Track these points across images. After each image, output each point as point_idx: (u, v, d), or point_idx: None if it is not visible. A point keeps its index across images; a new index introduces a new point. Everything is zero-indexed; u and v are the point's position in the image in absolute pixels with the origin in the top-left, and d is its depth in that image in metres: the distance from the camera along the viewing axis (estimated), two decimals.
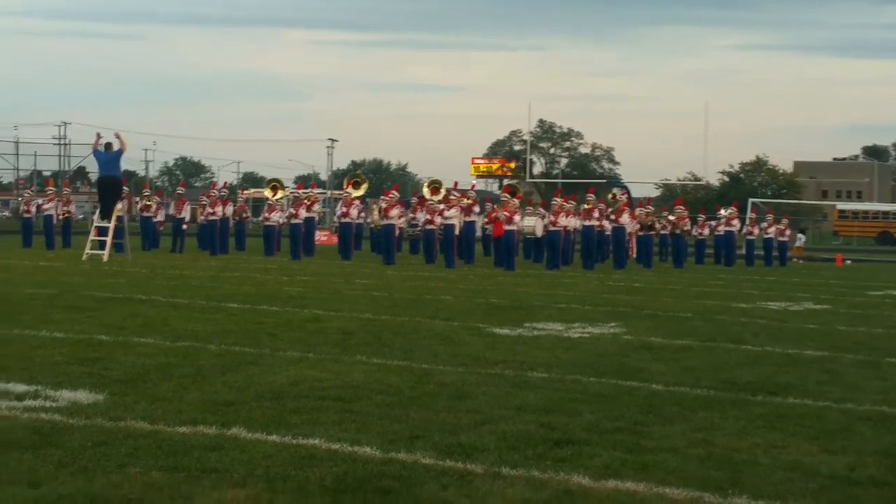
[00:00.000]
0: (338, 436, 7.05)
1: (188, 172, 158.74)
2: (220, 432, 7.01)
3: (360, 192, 37.73)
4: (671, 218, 35.78)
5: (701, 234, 37.86)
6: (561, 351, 11.75)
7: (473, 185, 34.54)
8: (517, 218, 30.17)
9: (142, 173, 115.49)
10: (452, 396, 8.71)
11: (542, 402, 8.60)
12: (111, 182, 27.51)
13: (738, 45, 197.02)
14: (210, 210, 33.94)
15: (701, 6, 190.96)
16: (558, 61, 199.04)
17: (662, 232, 36.24)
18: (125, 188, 31.91)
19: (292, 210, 33.12)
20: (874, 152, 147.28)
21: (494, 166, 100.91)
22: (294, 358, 10.47)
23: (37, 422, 7.13)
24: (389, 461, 6.49)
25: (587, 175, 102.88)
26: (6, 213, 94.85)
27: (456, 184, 33.07)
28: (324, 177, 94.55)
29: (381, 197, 34.36)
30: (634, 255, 34.91)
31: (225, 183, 41.42)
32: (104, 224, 27.31)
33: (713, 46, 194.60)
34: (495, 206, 32.74)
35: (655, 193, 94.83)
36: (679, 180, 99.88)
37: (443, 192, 33.29)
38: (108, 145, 28.06)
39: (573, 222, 31.33)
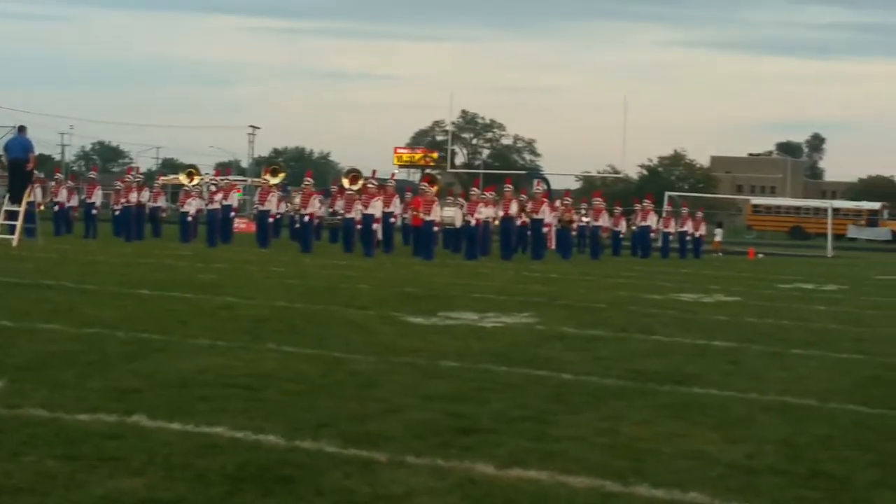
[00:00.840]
0: (243, 424, 6.97)
1: (106, 157, 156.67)
2: (120, 420, 6.90)
3: (278, 180, 37.48)
4: (580, 214, 35.97)
5: (617, 226, 38.16)
6: (473, 340, 11.77)
7: (393, 175, 34.49)
8: (436, 208, 30.17)
9: (57, 157, 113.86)
10: (362, 385, 8.67)
11: (450, 390, 8.59)
12: (21, 165, 27.01)
13: (660, 41, 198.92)
14: (124, 196, 33.49)
15: (626, 1, 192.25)
16: (485, 53, 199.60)
17: (581, 224, 36.48)
18: (37, 173, 31.33)
19: (208, 197, 32.82)
20: (788, 149, 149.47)
21: (417, 156, 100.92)
22: (203, 345, 10.36)
23: None
24: (293, 449, 6.43)
25: (509, 166, 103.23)
26: None
27: (374, 172, 33.01)
28: (245, 164, 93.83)
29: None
30: (554, 247, 35.09)
31: (138, 168, 40.72)
32: (14, 208, 26.83)
33: (636, 42, 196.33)
34: (414, 196, 32.72)
35: (576, 185, 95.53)
36: (599, 173, 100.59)
37: (361, 181, 33.16)
38: (21, 128, 27.63)
39: (491, 213, 31.37)
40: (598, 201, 37.49)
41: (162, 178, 67.77)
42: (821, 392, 9.34)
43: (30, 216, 27.63)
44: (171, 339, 10.61)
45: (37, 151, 29.05)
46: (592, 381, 9.43)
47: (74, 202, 35.54)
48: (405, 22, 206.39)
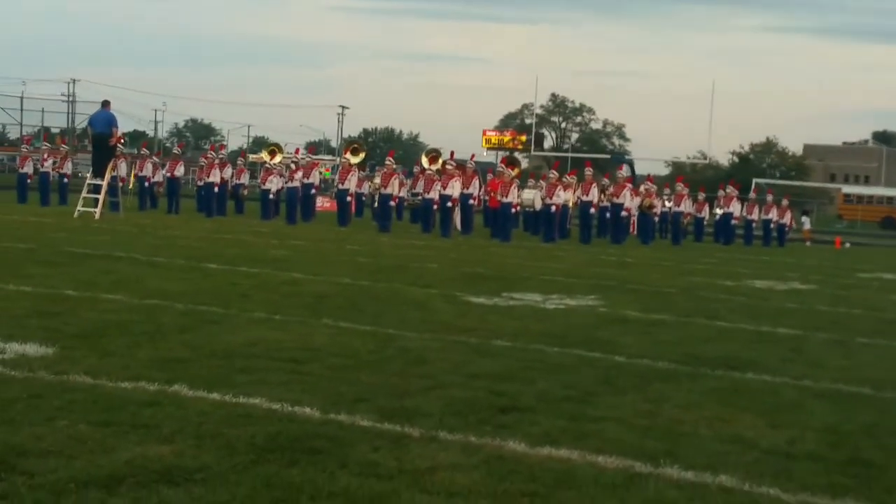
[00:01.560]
0: (281, 395, 7.01)
1: (198, 135, 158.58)
2: (161, 389, 6.98)
3: (358, 159, 37.61)
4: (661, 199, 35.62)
5: (700, 212, 37.77)
6: (532, 321, 11.71)
7: (473, 156, 34.42)
8: (514, 190, 30.08)
9: (151, 133, 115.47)
10: (409, 362, 8.68)
11: (497, 369, 8.57)
12: (105, 139, 27.41)
13: (754, 25, 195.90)
14: (207, 172, 33.87)
15: None
16: (576, 36, 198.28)
17: (664, 210, 36.16)
18: (122, 147, 31.80)
19: (288, 175, 33.04)
20: (884, 138, 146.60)
21: (506, 139, 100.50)
22: (259, 319, 10.44)
23: None
24: (327, 422, 6.46)
25: (598, 150, 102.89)
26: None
27: (452, 154, 32.99)
28: (335, 143, 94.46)
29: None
30: (636, 232, 34.88)
31: (223, 145, 41.07)
32: (97, 181, 27.27)
33: (730, 26, 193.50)
34: (492, 178, 32.66)
35: (665, 171, 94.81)
36: (689, 158, 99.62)
37: (441, 161, 33.15)
38: (105, 103, 28.07)
39: (569, 196, 31.19)
40: (681, 187, 37.10)
41: (252, 156, 68.47)
42: (877, 380, 9.17)
43: (112, 190, 28.10)
44: (229, 313, 10.71)
45: (131, 128, 29.56)
46: (644, 363, 9.34)
47: (159, 177, 35.93)
48: (496, 4, 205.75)
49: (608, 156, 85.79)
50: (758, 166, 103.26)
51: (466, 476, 5.59)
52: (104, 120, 27.49)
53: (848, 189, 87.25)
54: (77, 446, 5.60)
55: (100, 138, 27.54)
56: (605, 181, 34.20)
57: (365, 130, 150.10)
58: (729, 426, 7.09)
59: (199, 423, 6.18)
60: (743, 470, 6.02)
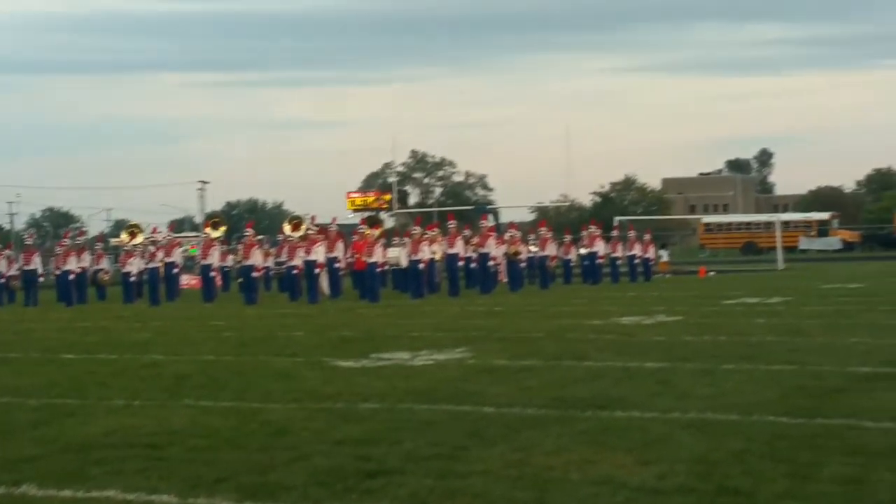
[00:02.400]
0: (138, 485, 6.75)
1: (57, 223, 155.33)
2: (7, 492, 6.66)
3: (219, 234, 37.13)
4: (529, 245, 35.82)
5: (567, 254, 38.08)
6: (400, 380, 11.54)
7: (334, 219, 34.24)
8: (378, 250, 29.97)
9: (7, 227, 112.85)
10: (272, 434, 8.45)
11: (363, 433, 8.39)
12: None
13: (605, 68, 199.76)
14: (63, 260, 33.10)
15: (566, 31, 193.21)
16: (431, 92, 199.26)
17: (530, 255, 36.33)
18: None
19: (149, 256, 32.47)
20: (737, 166, 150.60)
21: (370, 199, 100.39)
22: (118, 406, 10.11)
23: None
24: None
25: (462, 202, 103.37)
26: None
27: (313, 218, 32.78)
28: (198, 220, 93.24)
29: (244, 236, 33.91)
30: (505, 279, 34.95)
31: (81, 231, 40.30)
32: None
33: (581, 70, 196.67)
34: (354, 240, 32.51)
35: (531, 217, 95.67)
36: (552, 202, 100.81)
37: (303, 228, 32.90)
38: None
39: (435, 250, 31.17)
40: (544, 231, 37.36)
41: (113, 239, 67.28)
42: (745, 406, 9.20)
43: None
44: (86, 403, 10.35)
45: None
46: (514, 412, 9.25)
47: (14, 271, 34.95)
48: (348, 67, 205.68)
49: (471, 207, 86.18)
50: (619, 204, 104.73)
51: None
52: None
53: (708, 219, 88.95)
54: None
55: None
56: (467, 232, 34.22)
57: (228, 203, 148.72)
58: (598, 467, 7.01)
59: None
60: None
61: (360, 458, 7.43)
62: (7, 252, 36.40)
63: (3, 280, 34.50)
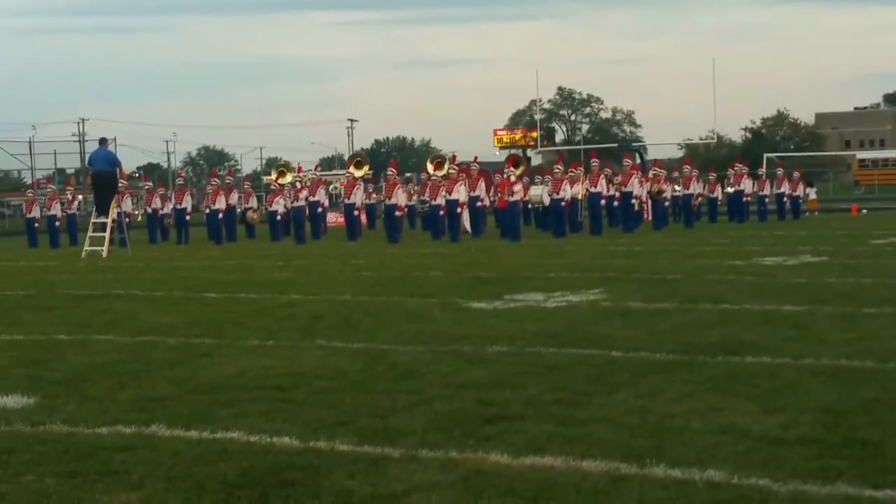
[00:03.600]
0: (261, 427, 6.86)
1: (212, 161, 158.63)
2: (137, 431, 6.84)
3: (362, 173, 37.45)
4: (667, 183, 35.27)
5: (712, 193, 37.48)
6: (530, 322, 11.52)
7: (476, 159, 34.17)
8: (519, 188, 29.89)
9: (164, 165, 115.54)
10: (397, 377, 8.51)
11: (488, 377, 8.39)
12: (105, 177, 27.33)
13: (752, 1, 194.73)
14: (212, 199, 33.82)
15: None
16: (576, 27, 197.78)
17: (674, 193, 35.85)
18: (124, 182, 31.75)
19: (293, 194, 32.95)
20: (895, 99, 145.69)
21: (517, 136, 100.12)
22: (252, 346, 10.30)
23: None
24: (305, 451, 6.30)
25: (609, 140, 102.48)
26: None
27: (454, 157, 32.81)
28: (347, 158, 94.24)
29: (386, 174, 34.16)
30: (650, 218, 34.63)
31: (230, 170, 41.12)
32: (101, 220, 27.21)
33: (728, 4, 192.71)
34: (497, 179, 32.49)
35: (679, 154, 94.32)
36: (701, 139, 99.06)
37: (445, 167, 32.97)
38: (103, 140, 28.06)
39: (576, 190, 30.95)
40: (687, 169, 36.81)
41: (265, 177, 68.43)
42: (882, 352, 8.94)
43: (119, 226, 28.05)
44: (221, 343, 10.56)
45: (144, 161, 29.66)
46: (642, 356, 9.15)
47: (168, 209, 35.86)
48: (494, 4, 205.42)
49: (617, 144, 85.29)
50: (771, 140, 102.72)
51: (442, 496, 5.42)
52: (103, 158, 27.39)
53: (862, 155, 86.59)
54: (41, 501, 5.45)
55: (99, 176, 27.43)
56: (607, 171, 33.88)
57: (376, 141, 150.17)
58: (722, 415, 6.89)
59: (170, 465, 6.03)
60: (732, 462, 5.83)
61: (482, 403, 7.44)
62: (161, 191, 37.37)
63: (158, 217, 35.50)
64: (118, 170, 28.07)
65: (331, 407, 7.45)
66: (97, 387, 8.40)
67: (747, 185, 37.19)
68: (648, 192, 33.43)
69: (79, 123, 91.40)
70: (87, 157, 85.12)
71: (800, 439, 6.26)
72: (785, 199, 37.63)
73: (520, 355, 9.41)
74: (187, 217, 34.87)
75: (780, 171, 38.76)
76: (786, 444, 6.17)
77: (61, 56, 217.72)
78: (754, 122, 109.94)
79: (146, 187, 37.76)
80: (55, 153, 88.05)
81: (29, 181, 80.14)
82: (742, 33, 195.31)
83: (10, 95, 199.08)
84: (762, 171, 39.93)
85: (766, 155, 56.24)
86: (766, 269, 17.07)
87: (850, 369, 8.35)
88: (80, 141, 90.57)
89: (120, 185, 29.00)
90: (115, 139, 79.45)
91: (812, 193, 43.69)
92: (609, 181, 32.48)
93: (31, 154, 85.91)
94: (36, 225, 35.09)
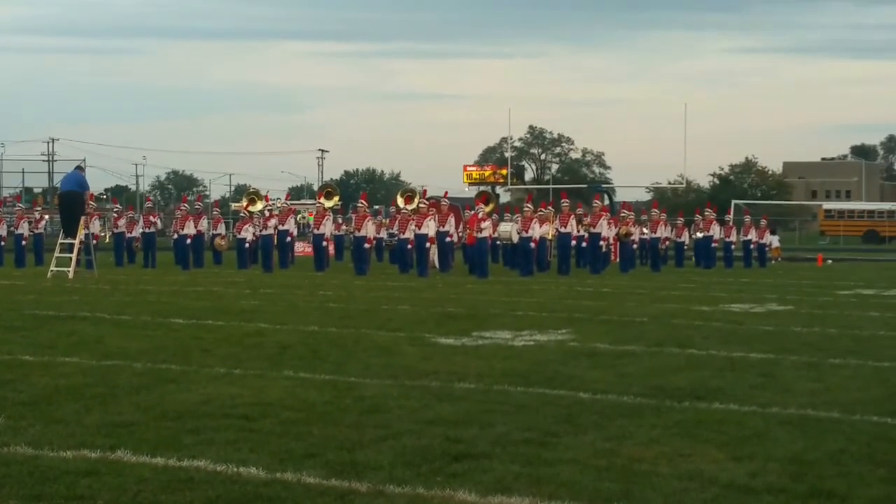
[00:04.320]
0: (227, 456, 6.82)
1: (180, 186, 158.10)
2: (103, 456, 6.79)
3: (332, 203, 37.44)
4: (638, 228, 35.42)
5: (679, 237, 37.65)
6: (498, 360, 11.53)
7: (446, 193, 34.22)
8: (488, 225, 29.93)
9: (133, 188, 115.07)
10: (365, 411, 8.49)
11: (456, 414, 8.39)
12: (72, 198, 27.22)
13: (726, 48, 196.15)
14: (181, 224, 33.71)
15: (690, 10, 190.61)
16: (550, 67, 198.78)
17: (642, 236, 35.97)
18: (93, 204, 31.60)
19: (262, 223, 32.88)
20: (862, 151, 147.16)
21: (487, 173, 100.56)
22: (218, 374, 10.25)
23: None
24: (272, 482, 6.27)
25: (578, 180, 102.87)
26: None
27: (425, 192, 32.89)
28: (316, 188, 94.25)
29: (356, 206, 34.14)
30: (617, 260, 34.73)
31: (199, 196, 41.01)
32: (68, 241, 27.05)
33: (701, 50, 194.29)
34: (466, 215, 32.54)
35: (647, 197, 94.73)
36: (669, 183, 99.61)
37: (416, 201, 33.00)
38: (79, 167, 28.21)
39: (546, 229, 31.02)
40: (656, 213, 36.97)
41: (234, 204, 68.33)
42: (848, 403, 8.99)
43: (86, 248, 27.90)
44: (188, 370, 10.51)
45: (112, 183, 29.73)
46: (609, 399, 9.16)
47: (136, 232, 35.70)
48: (469, 40, 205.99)
49: (586, 185, 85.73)
50: (739, 187, 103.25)
51: None
52: (73, 180, 27.39)
53: (829, 205, 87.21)
54: None
55: (67, 197, 27.35)
56: (579, 211, 34.02)
57: (346, 173, 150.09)
58: (689, 461, 6.91)
59: (136, 492, 6.00)
60: None
61: (450, 440, 7.43)
62: (129, 213, 37.20)
63: (126, 240, 35.33)
64: (86, 193, 27.96)
65: (298, 438, 7.42)
66: (63, 409, 8.34)
67: (715, 231, 37.37)
68: (616, 234, 33.54)
69: (48, 143, 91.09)
70: (55, 176, 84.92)
71: (767, 488, 6.29)
72: (752, 246, 37.84)
73: (488, 393, 9.41)
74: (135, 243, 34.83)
75: (747, 219, 39.02)
76: (753, 493, 6.20)
77: (32, 75, 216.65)
78: (722, 169, 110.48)
79: (114, 209, 37.53)
80: (23, 171, 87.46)
81: None
82: (714, 80, 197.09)
83: None
84: (730, 217, 40.17)
85: (734, 201, 56.58)
86: (732, 316, 17.16)
87: (816, 419, 8.40)
88: (49, 160, 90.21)
89: (87, 207, 28.84)
90: (84, 160, 79.32)
91: (775, 241, 44.00)
92: (579, 222, 32.58)
93: None
94: (2, 243, 34.81)
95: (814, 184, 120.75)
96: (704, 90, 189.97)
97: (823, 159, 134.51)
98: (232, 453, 6.91)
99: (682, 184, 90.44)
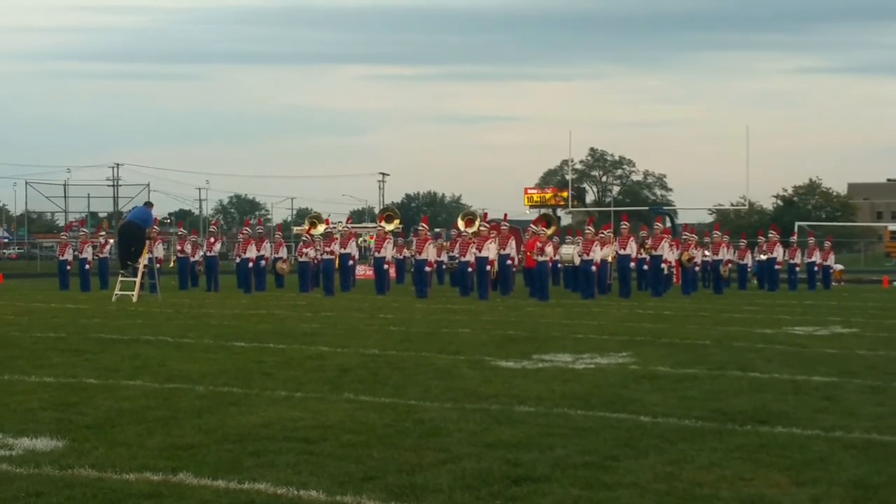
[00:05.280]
0: (287, 479, 6.86)
1: (243, 210, 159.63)
2: (165, 478, 6.85)
3: (393, 227, 37.59)
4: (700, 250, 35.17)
5: (742, 259, 37.35)
6: (558, 383, 11.49)
7: (506, 216, 34.27)
8: (548, 248, 29.89)
9: (196, 212, 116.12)
10: (425, 434, 8.50)
11: (517, 437, 8.37)
12: (132, 230, 27.71)
13: (786, 68, 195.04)
14: (243, 248, 33.98)
15: (750, 31, 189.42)
16: (610, 89, 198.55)
17: (704, 259, 35.74)
18: (156, 228, 32.01)
19: (322, 246, 33.06)
20: None
21: (547, 196, 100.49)
22: (279, 397, 10.31)
23: None
24: None
25: (640, 202, 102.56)
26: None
27: (486, 215, 32.91)
28: (377, 211, 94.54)
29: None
30: (679, 282, 34.55)
31: (260, 219, 41.31)
32: (126, 276, 27.52)
33: (762, 70, 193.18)
34: (527, 239, 32.51)
35: (709, 219, 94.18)
36: (732, 205, 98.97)
37: (476, 224, 33.05)
38: (148, 203, 28.81)
39: (607, 252, 30.93)
40: (718, 235, 36.73)
41: (296, 228, 68.75)
42: None
43: (150, 272, 28.22)
44: (250, 392, 10.58)
45: (176, 207, 30.33)
46: (670, 422, 9.11)
47: (198, 256, 36.07)
48: (529, 63, 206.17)
49: (648, 207, 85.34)
50: (802, 208, 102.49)
51: None
52: (138, 213, 28.05)
53: (894, 227, 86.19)
54: None
55: (126, 228, 27.93)
56: (643, 234, 33.89)
57: (407, 196, 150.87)
58: (751, 486, 6.85)
59: None
60: None
61: (509, 463, 7.42)
62: (192, 237, 37.60)
63: (188, 264, 35.72)
64: (146, 230, 28.38)
65: (358, 461, 7.45)
66: (126, 432, 8.43)
67: (779, 253, 37.07)
68: (679, 259, 33.36)
69: (113, 168, 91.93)
70: (120, 201, 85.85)
71: None
72: (816, 268, 37.47)
73: (548, 416, 9.39)
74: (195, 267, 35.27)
75: (811, 241, 38.62)
76: None
77: (98, 100, 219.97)
78: (786, 190, 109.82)
79: (178, 233, 37.96)
80: (89, 196, 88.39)
81: (62, 223, 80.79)
82: (777, 100, 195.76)
83: (46, 138, 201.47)
84: (794, 239, 39.81)
85: (797, 223, 55.96)
86: (795, 339, 16.99)
87: (880, 443, 8.30)
88: (114, 185, 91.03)
89: (153, 229, 29.31)
90: (148, 185, 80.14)
91: (837, 264, 43.51)
92: (641, 245, 32.44)
93: (65, 197, 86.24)
94: (68, 268, 35.32)
95: (879, 205, 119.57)
96: (766, 110, 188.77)
97: (889, 180, 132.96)
98: (292, 476, 6.94)
99: (744, 205, 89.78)
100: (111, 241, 36.94)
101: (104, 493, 6.46)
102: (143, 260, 27.43)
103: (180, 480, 6.82)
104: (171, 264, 38.55)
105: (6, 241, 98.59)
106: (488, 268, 29.63)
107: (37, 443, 7.95)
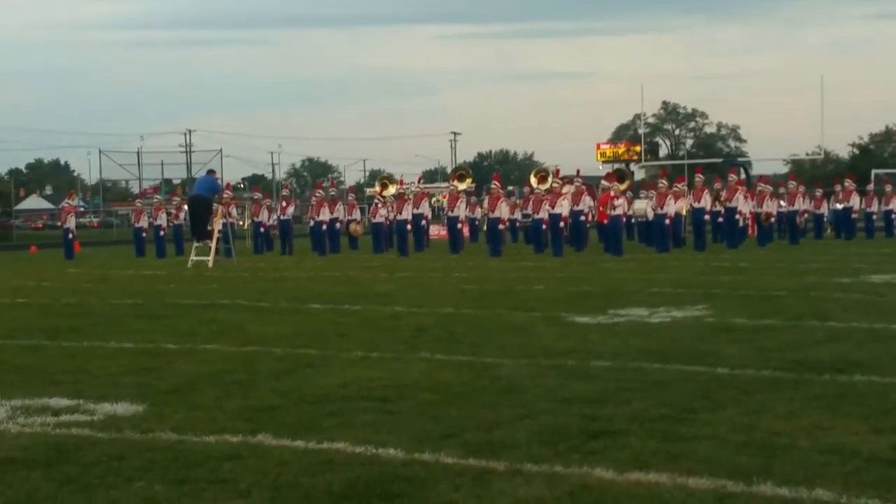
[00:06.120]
0: (366, 438, 6.90)
1: (315, 173, 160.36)
2: (244, 440, 6.92)
3: (465, 186, 37.58)
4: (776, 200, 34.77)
5: (818, 209, 36.91)
6: (634, 337, 11.46)
7: (578, 172, 34.12)
8: (621, 203, 29.74)
9: (269, 176, 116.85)
10: (502, 391, 8.52)
11: (592, 392, 8.36)
12: (200, 203, 27.97)
13: (860, 15, 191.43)
14: (316, 211, 34.17)
15: None
16: (681, 42, 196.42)
17: (780, 210, 35.36)
18: (229, 193, 32.34)
19: (394, 207, 33.17)
20: None
21: (620, 151, 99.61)
22: (356, 358, 10.37)
23: (63, 437, 7.10)
24: (410, 463, 6.33)
25: (714, 155, 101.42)
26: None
27: (558, 171, 32.81)
28: (449, 170, 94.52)
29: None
30: (755, 234, 34.26)
31: (332, 182, 41.58)
32: (199, 244, 27.81)
33: (835, 17, 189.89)
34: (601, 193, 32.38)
35: (784, 170, 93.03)
36: (807, 155, 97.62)
37: (549, 181, 32.94)
38: (211, 171, 29.04)
39: (680, 205, 30.71)
40: (793, 185, 36.30)
41: (369, 189, 69.03)
42: None
43: (225, 236, 28.49)
44: (326, 354, 10.66)
45: (248, 172, 30.59)
46: (747, 373, 9.05)
47: (272, 220, 36.37)
48: (599, 17, 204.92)
49: (722, 160, 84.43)
50: (879, 156, 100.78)
51: None
52: (204, 183, 28.29)
53: None
54: None
55: (195, 200, 28.16)
56: (717, 186, 33.58)
57: (479, 154, 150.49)
58: (830, 435, 6.79)
59: (277, 475, 6.10)
60: (841, 481, 5.74)
61: (586, 418, 7.41)
62: (266, 201, 37.88)
63: (263, 229, 36.03)
64: (216, 196, 28.66)
65: (435, 419, 7.48)
66: (204, 396, 8.53)
67: (855, 202, 36.58)
68: (756, 218, 33.06)
69: (186, 134, 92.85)
70: (193, 167, 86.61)
71: None
72: (893, 216, 36.94)
73: (624, 370, 9.36)
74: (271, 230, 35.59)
75: (888, 188, 38.03)
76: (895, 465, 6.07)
77: (170, 68, 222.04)
78: (862, 138, 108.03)
79: (253, 198, 38.29)
80: (162, 164, 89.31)
81: (136, 191, 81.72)
82: (850, 48, 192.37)
83: (119, 106, 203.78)
84: (870, 187, 39.20)
85: (874, 171, 55.11)
86: (873, 287, 16.78)
87: None
88: (187, 152, 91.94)
89: (228, 195, 29.59)
90: (220, 150, 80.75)
91: None
92: (716, 197, 32.16)
93: (138, 164, 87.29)
94: (143, 235, 35.79)
95: None
96: (842, 59, 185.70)
97: None
98: (370, 435, 6.99)
99: (820, 155, 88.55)
100: (185, 207, 37.35)
101: (185, 455, 6.55)
102: (217, 225, 27.68)
103: (259, 441, 6.89)
104: (246, 228, 38.94)
105: (82, 209, 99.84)
106: (562, 224, 29.55)
107: (118, 407, 8.06)
